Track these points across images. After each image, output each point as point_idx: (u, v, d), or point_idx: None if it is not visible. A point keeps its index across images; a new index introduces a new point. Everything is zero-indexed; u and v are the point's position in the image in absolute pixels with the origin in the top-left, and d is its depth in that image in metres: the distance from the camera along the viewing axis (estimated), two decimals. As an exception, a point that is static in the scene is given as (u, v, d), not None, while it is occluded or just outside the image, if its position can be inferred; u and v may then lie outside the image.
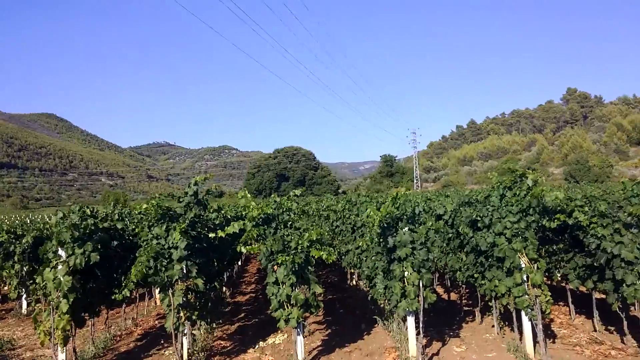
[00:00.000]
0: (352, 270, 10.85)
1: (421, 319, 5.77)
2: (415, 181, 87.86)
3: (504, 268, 5.89)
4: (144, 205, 6.38)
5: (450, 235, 7.62)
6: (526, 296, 5.66)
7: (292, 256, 5.39)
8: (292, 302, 5.61)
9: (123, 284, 6.59)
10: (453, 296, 9.64)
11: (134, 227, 7.25)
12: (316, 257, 5.58)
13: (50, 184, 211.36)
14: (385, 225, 6.13)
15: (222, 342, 7.35)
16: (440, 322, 7.59)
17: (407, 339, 6.07)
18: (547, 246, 7.12)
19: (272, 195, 6.98)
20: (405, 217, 6.11)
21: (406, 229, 6.04)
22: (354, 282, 11.31)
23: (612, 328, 6.69)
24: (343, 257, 10.22)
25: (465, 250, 7.15)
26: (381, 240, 6.26)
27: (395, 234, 6.02)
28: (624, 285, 5.48)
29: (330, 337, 7.41)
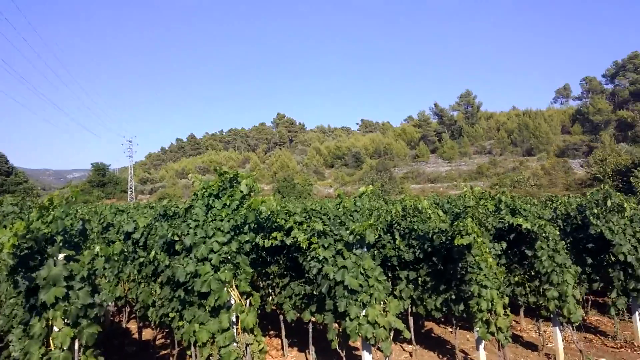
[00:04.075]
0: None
1: (76, 401, 3.64)
2: (130, 192, 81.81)
3: (208, 307, 4.28)
4: None
5: (142, 259, 5.64)
6: (235, 345, 4.17)
7: None
8: None
9: None
10: (148, 334, 7.60)
11: None
12: None
13: None
14: (26, 252, 3.78)
15: None
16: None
17: None
18: (259, 268, 5.90)
19: None
20: (59, 237, 3.90)
21: (61, 256, 3.83)
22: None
23: (327, 362, 5.86)
24: None
25: (160, 280, 5.30)
26: (17, 276, 3.85)
27: (41, 265, 3.75)
28: (347, 318, 4.53)
29: None
